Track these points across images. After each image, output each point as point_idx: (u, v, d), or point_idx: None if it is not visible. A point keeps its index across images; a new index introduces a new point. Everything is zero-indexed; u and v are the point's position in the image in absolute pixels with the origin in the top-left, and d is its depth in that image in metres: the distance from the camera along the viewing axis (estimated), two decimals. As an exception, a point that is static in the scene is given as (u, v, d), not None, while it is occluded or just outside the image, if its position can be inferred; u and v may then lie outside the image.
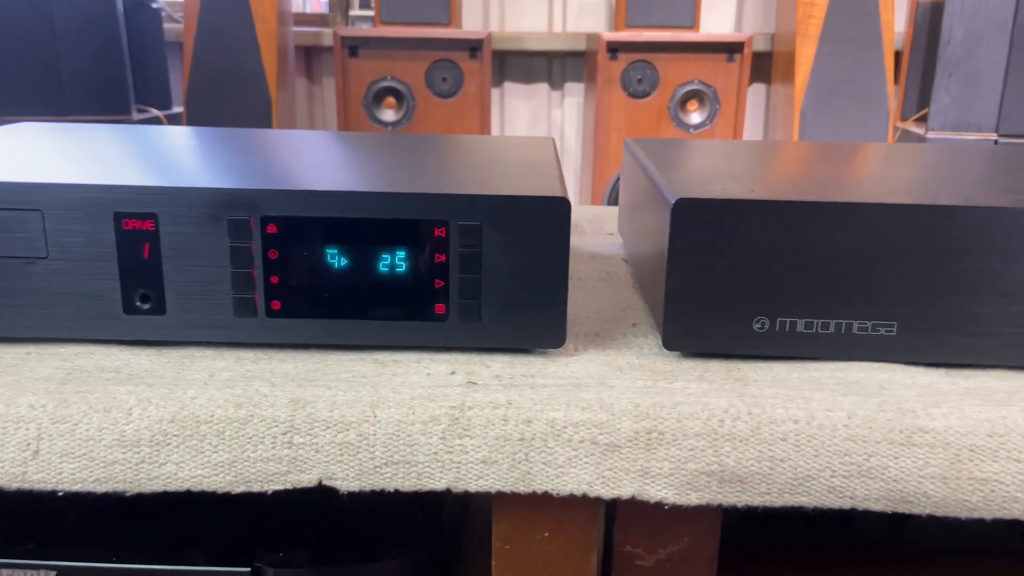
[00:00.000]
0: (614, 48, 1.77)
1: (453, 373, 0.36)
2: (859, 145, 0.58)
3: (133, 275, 0.37)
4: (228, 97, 1.78)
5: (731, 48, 1.77)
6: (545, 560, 0.35)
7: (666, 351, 0.39)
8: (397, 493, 0.34)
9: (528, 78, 2.20)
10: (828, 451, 0.33)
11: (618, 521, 0.36)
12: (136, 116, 1.71)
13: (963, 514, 0.33)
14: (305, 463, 0.33)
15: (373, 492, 0.33)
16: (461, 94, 1.72)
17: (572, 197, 2.23)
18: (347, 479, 0.33)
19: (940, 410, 0.34)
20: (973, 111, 1.73)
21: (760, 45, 1.99)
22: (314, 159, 0.44)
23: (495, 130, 2.22)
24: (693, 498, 0.33)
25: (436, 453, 0.33)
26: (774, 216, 0.36)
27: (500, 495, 0.34)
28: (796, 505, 0.33)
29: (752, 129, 2.14)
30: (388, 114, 1.74)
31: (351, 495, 0.34)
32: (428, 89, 1.72)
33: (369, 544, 0.41)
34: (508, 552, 0.35)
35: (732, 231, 0.36)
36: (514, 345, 0.38)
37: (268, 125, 1.80)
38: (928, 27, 1.82)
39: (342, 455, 0.33)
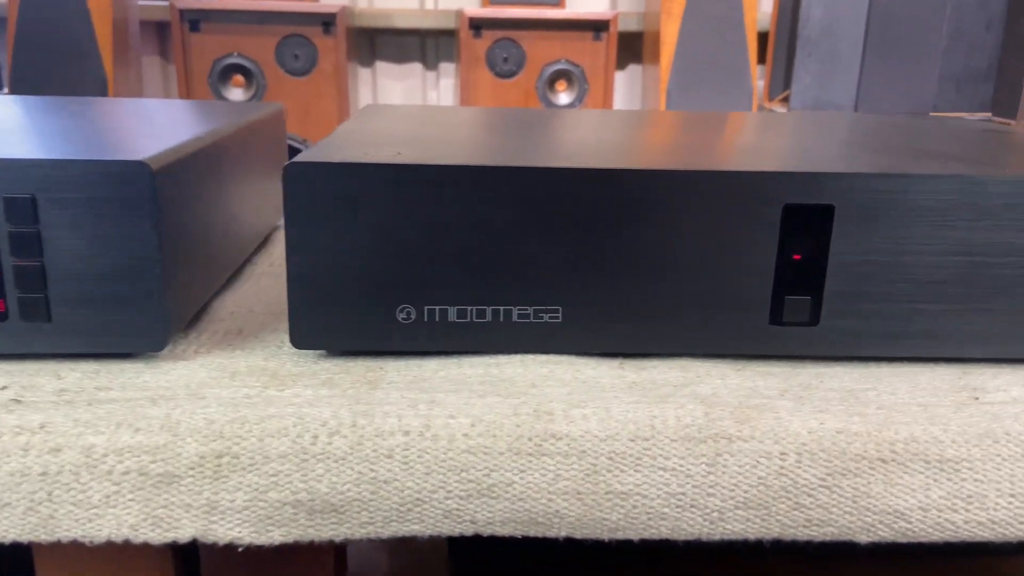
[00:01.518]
0: (477, 25, 1.70)
1: (5, 388, 0.29)
2: (621, 112, 0.53)
3: None
4: (58, 75, 1.62)
5: (597, 27, 1.73)
6: (112, 618, 0.28)
7: (307, 350, 0.33)
8: None
9: (401, 57, 2.11)
10: (443, 468, 0.27)
11: (204, 565, 0.29)
12: (-51, 96, 1.54)
13: (605, 535, 0.28)
14: None
15: None
16: (315, 72, 1.62)
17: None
18: None
19: (582, 411, 0.28)
20: (832, 90, 1.75)
21: (633, 24, 1.96)
22: None
23: (367, 112, 2.12)
24: (276, 535, 0.27)
25: (-76, 496, 0.25)
26: (407, 183, 0.30)
27: (40, 544, 0.27)
28: (408, 534, 0.28)
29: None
30: (236, 93, 1.62)
31: None
32: (279, 67, 1.61)
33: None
34: (63, 611, 0.28)
35: (358, 202, 0.30)
36: (99, 349, 0.31)
37: (105, 106, 1.65)
38: (792, 7, 1.83)
39: None
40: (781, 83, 1.87)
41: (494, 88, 1.75)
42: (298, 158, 0.30)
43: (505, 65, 1.73)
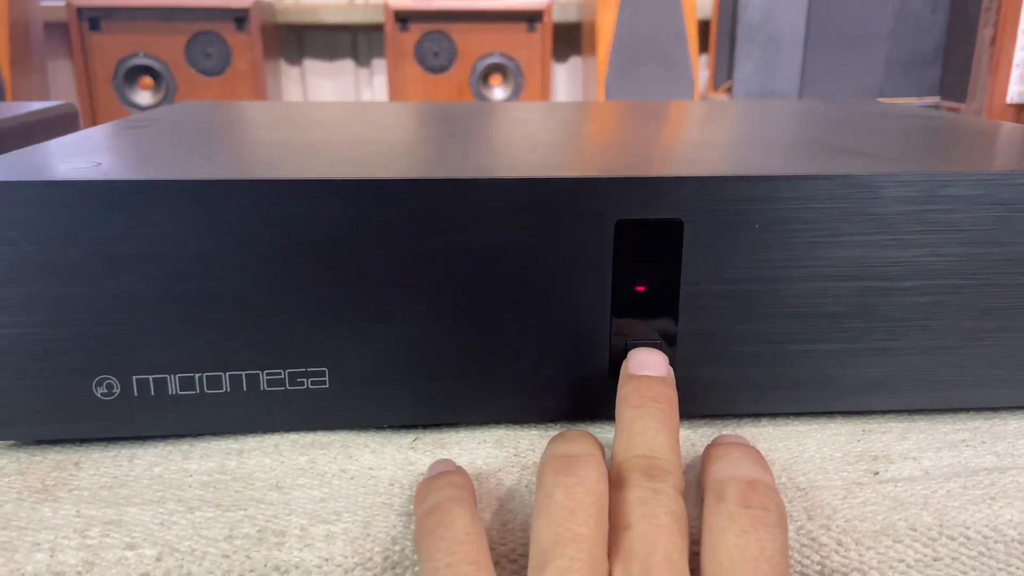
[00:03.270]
0: (404, 18, 1.61)
1: None
2: (472, 105, 0.45)
3: None
4: (-51, 82, 1.50)
5: (531, 17, 1.65)
6: None
7: (-13, 438, 0.24)
8: None
9: (331, 55, 2.01)
10: (107, 626, 0.19)
11: None
12: None
13: None
14: None
15: None
16: (230, 71, 1.52)
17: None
18: None
19: (329, 528, 0.20)
20: (776, 77, 1.69)
21: (572, 15, 1.89)
22: None
23: (298, 113, 2.02)
24: None
25: None
26: (84, 204, 0.21)
27: None
28: None
29: (570, 104, 2.04)
30: (144, 96, 1.51)
31: None
32: (190, 66, 1.50)
33: None
34: None
35: (17, 233, 0.22)
36: None
37: (2, 114, 1.53)
38: (733, -7, 1.76)
39: None
40: (725, 72, 1.81)
41: (425, 84, 1.66)
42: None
43: (435, 59, 1.64)
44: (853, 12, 1.68)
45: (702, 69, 2.01)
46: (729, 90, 1.70)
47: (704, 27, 1.93)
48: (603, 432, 0.25)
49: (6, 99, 1.55)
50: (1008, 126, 0.35)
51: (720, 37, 1.80)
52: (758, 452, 0.22)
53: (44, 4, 1.68)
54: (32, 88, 1.68)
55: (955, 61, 1.83)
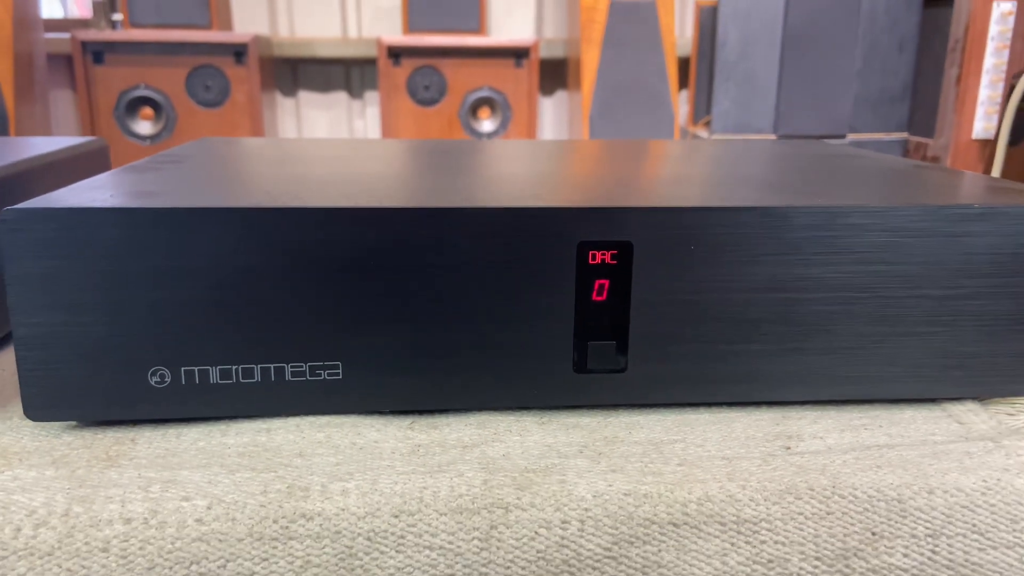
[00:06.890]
0: (396, 53, 1.68)
1: None
2: (452, 142, 0.51)
3: None
4: (-46, 111, 1.54)
5: (518, 53, 1.73)
6: None
7: (53, 422, 0.29)
8: None
9: (325, 87, 2.08)
10: (168, 560, 0.23)
11: None
12: None
13: (365, 626, 0.25)
14: None
15: None
16: (228, 103, 1.58)
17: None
18: None
19: (344, 485, 0.25)
20: (752, 113, 1.77)
21: (558, 51, 1.97)
22: None
23: (292, 142, 2.08)
24: (-36, 650, 0.23)
25: None
26: (141, 228, 0.27)
27: None
28: (130, 641, 0.24)
29: (552, 137, 2.12)
30: (144, 126, 1.56)
31: None
32: (190, 98, 1.56)
33: None
34: None
35: (87, 252, 0.27)
36: None
37: (5, 142, 1.58)
38: (711, 31, 1.85)
39: None
40: (704, 107, 1.89)
41: (416, 117, 1.72)
42: (20, 204, 0.27)
43: (426, 93, 1.71)
44: (824, 52, 1.77)
45: (682, 104, 2.09)
46: (708, 124, 1.78)
47: (684, 64, 2.02)
48: (569, 418, 0.30)
49: (9, 127, 1.60)
50: (905, 163, 0.41)
51: (699, 74, 1.88)
52: None
53: (48, 37, 1.74)
54: (35, 117, 1.73)
55: (922, 99, 1.92)
